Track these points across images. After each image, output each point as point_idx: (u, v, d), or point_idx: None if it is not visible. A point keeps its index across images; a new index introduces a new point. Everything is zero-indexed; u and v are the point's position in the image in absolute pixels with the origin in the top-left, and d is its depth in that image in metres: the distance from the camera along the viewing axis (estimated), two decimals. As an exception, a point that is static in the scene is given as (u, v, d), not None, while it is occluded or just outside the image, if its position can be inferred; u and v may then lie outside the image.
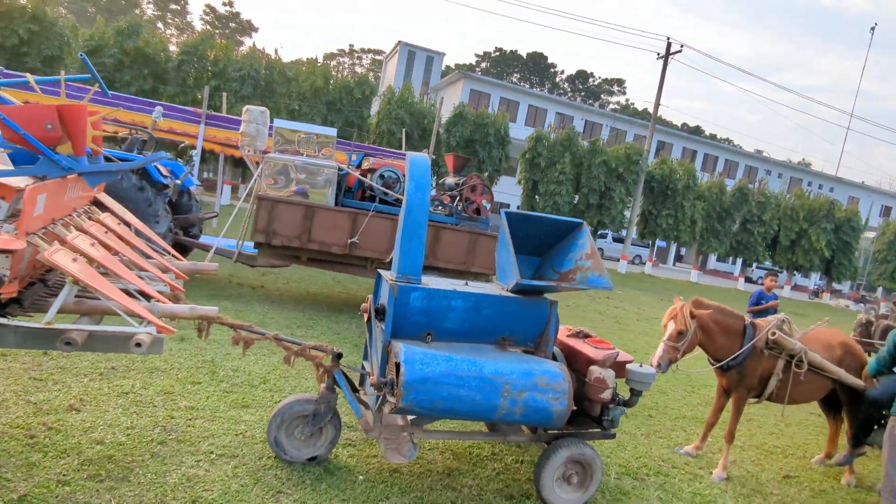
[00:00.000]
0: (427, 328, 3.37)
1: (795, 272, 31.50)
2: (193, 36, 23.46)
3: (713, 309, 4.48)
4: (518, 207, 29.23)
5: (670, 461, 4.62)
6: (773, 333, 4.42)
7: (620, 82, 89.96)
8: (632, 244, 33.51)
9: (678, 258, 50.85)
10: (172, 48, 21.16)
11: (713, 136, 75.89)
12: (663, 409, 6.01)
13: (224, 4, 65.89)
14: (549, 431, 3.58)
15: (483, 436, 3.75)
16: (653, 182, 28.00)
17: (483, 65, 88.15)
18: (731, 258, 41.18)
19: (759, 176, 44.62)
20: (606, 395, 3.46)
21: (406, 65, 47.06)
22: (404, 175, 8.31)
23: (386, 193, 7.75)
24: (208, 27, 64.63)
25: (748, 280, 36.42)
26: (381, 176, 7.86)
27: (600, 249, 36.60)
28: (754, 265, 37.82)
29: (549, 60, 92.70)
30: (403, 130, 15.45)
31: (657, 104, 28.10)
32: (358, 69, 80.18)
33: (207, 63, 20.86)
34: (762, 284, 7.53)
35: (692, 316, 4.28)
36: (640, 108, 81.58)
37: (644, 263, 32.57)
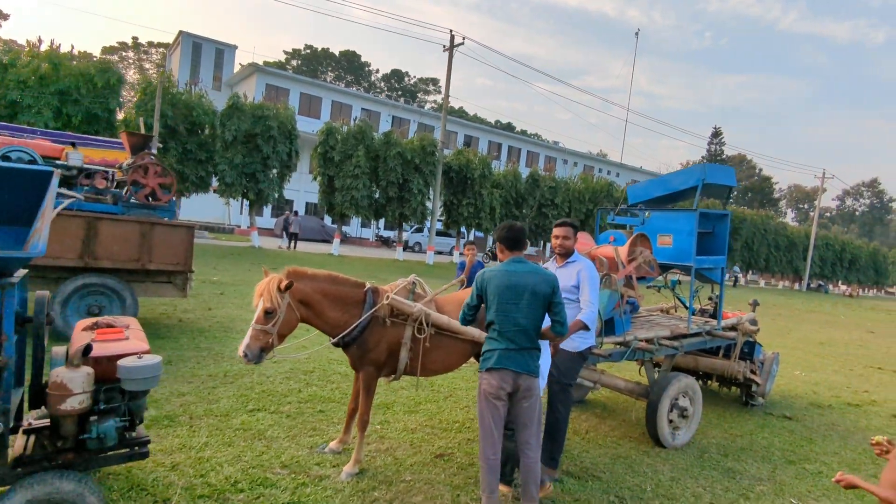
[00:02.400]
0: None
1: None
2: None
3: (320, 278, 3.74)
4: (316, 205, 27.87)
5: (297, 465, 3.79)
6: (387, 298, 3.80)
7: (435, 81, 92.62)
8: (438, 235, 34.02)
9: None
10: None
11: (524, 132, 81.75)
12: (323, 401, 5.22)
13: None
14: None
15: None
16: (451, 173, 28.55)
17: (294, 62, 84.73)
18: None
19: (556, 164, 48.74)
20: (71, 404, 2.43)
21: (192, 58, 42.86)
22: (47, 157, 6.68)
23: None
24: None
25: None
26: (6, 157, 6.10)
27: (418, 244, 36.85)
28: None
29: (363, 59, 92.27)
30: (141, 120, 13.19)
31: (447, 95, 28.64)
32: (146, 65, 72.01)
33: None
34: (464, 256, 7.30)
35: (282, 289, 3.47)
36: (456, 107, 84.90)
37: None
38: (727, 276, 44.60)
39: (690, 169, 5.15)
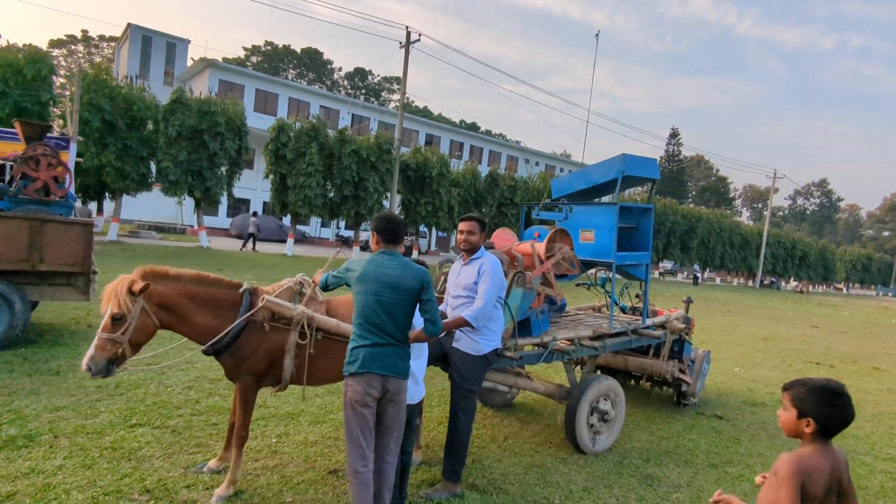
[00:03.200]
0: None
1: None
2: None
3: (184, 278, 3.33)
4: (267, 203, 27.10)
5: (163, 488, 3.37)
6: (263, 300, 3.42)
7: (399, 80, 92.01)
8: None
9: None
10: None
11: (488, 132, 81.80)
12: (221, 412, 4.75)
13: None
14: None
15: None
16: (409, 171, 28.16)
17: (253, 59, 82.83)
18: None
19: (519, 164, 48.82)
20: None
21: (141, 52, 41.30)
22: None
23: None
24: None
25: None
26: None
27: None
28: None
29: (326, 57, 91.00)
30: (68, 111, 12.38)
31: (403, 92, 28.27)
32: (97, 59, 69.28)
33: None
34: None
35: (135, 292, 3.06)
36: (421, 107, 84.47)
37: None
38: (680, 273, 45.53)
39: (610, 161, 4.93)
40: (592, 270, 5.87)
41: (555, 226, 5.47)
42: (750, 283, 47.73)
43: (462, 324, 3.58)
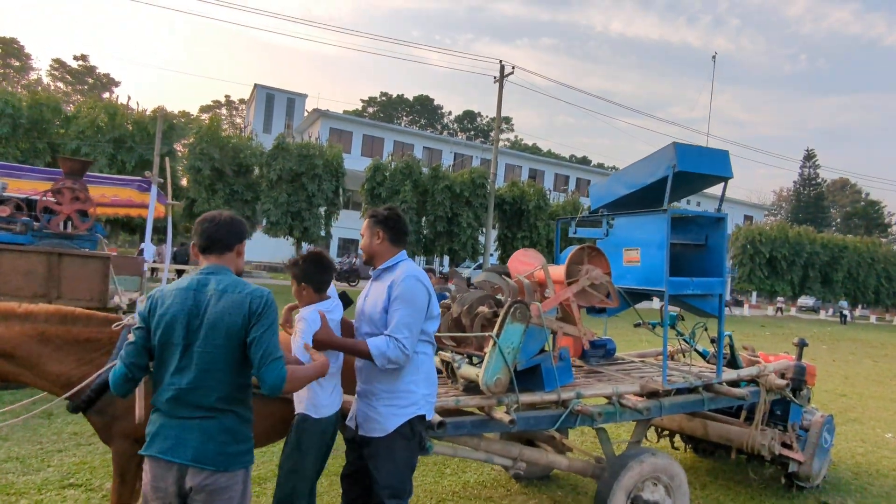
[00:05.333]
0: None
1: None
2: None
3: (36, 316, 2.62)
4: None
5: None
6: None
7: (508, 120, 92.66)
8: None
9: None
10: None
11: (600, 165, 78.83)
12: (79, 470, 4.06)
13: (76, 59, 61.41)
14: None
15: None
16: (505, 205, 27.33)
17: (370, 109, 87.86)
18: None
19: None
20: None
21: (265, 108, 45.14)
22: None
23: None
24: (59, 84, 59.79)
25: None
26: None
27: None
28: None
29: (436, 102, 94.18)
30: (167, 160, 13.16)
31: (498, 125, 27.77)
32: (237, 120, 77.23)
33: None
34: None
35: None
36: (530, 144, 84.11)
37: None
38: (823, 311, 39.37)
39: (657, 154, 3.67)
40: (643, 303, 4.50)
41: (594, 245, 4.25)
42: (920, 323, 40.13)
43: (361, 352, 2.50)
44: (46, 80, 59.49)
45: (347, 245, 41.45)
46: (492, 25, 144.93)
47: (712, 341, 4.33)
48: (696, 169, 3.59)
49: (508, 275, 3.77)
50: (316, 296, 2.67)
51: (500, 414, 3.09)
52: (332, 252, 40.52)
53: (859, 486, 4.99)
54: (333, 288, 2.83)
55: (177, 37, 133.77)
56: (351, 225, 36.36)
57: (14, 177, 9.29)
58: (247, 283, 2.06)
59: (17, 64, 59.51)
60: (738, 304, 37.91)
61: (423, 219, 25.24)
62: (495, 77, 27.13)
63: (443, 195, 24.65)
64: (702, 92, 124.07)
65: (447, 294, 3.98)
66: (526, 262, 4.07)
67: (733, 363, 4.74)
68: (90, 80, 62.02)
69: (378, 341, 2.49)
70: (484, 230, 26.22)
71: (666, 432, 5.16)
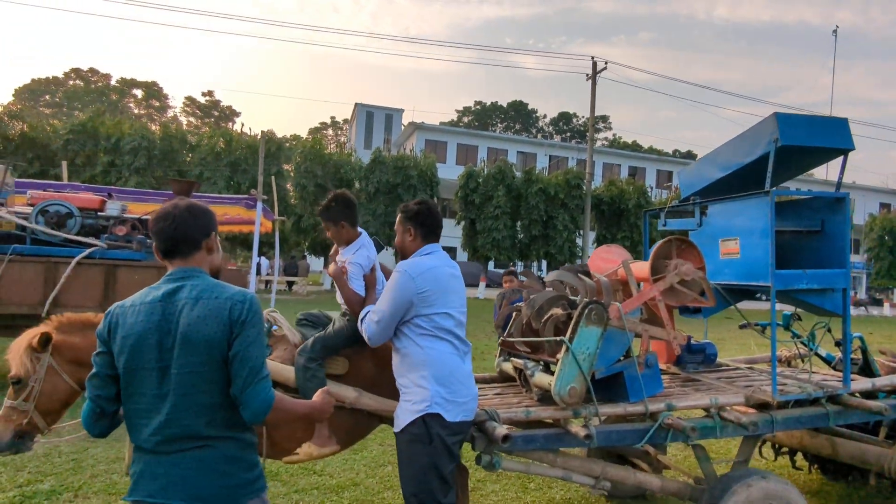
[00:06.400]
0: None
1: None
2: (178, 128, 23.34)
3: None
4: (460, 247, 27.62)
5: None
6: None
7: (605, 119, 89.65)
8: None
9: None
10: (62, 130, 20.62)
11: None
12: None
13: (203, 95, 68.00)
14: None
15: None
16: (602, 205, 26.29)
17: (465, 119, 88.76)
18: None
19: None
20: None
21: (365, 125, 47.08)
22: (86, 209, 6.87)
23: (48, 232, 6.22)
24: (191, 119, 66.54)
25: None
26: (44, 211, 6.37)
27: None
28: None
29: (531, 107, 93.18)
30: (268, 175, 14.08)
31: (591, 122, 26.81)
32: (342, 139, 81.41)
33: (100, 139, 20.24)
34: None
35: (36, 347, 2.51)
36: (629, 141, 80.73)
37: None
38: None
39: (757, 126, 3.16)
40: (747, 302, 3.92)
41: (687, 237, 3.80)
42: None
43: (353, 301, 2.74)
44: (181, 116, 66.63)
45: (446, 253, 41.98)
46: (585, 25, 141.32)
47: (837, 344, 3.69)
48: (804, 142, 3.06)
49: (588, 274, 3.45)
50: (354, 231, 2.89)
51: (575, 428, 2.79)
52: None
53: None
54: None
55: (286, 67, 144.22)
56: (449, 233, 36.69)
57: (138, 201, 10.29)
58: (226, 286, 1.76)
59: (157, 104, 67.01)
60: (877, 302, 33.48)
61: (518, 223, 24.89)
62: (587, 75, 26.26)
63: (537, 198, 24.20)
64: (822, 72, 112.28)
65: (522, 297, 3.72)
66: (609, 260, 3.72)
67: (868, 370, 4.03)
68: (216, 113, 68.46)
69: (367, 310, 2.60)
70: (581, 232, 25.36)
71: (785, 449, 4.50)
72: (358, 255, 2.84)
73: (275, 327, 2.98)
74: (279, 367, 2.70)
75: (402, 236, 2.66)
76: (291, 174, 23.72)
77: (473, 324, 9.23)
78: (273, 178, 14.94)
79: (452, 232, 34.07)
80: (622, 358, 3.05)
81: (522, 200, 24.60)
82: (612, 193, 26.06)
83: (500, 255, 24.52)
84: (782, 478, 2.97)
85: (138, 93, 65.54)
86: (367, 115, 48.22)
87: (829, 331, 3.92)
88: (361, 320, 2.60)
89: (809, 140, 3.08)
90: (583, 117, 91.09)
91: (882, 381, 3.56)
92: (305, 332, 2.93)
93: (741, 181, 3.53)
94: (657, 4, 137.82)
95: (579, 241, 25.63)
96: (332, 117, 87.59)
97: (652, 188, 29.77)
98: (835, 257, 3.26)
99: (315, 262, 28.13)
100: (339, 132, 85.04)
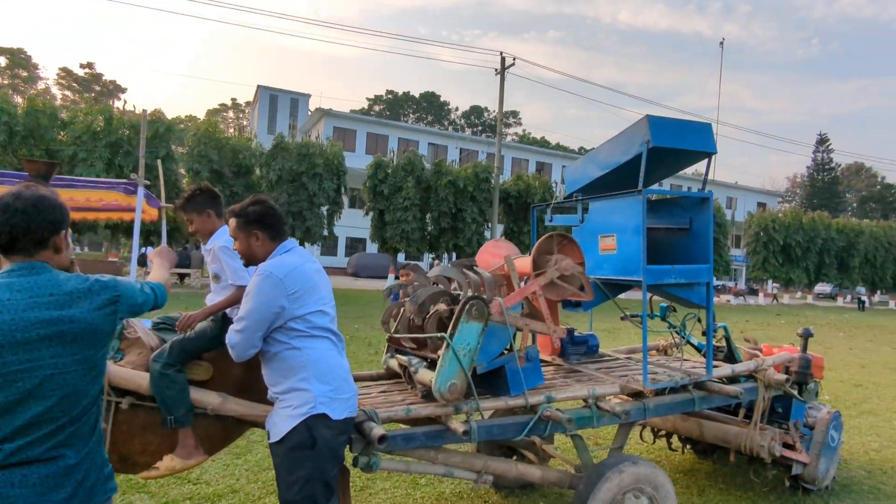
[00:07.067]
0: None
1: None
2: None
3: None
4: (369, 239, 27.35)
5: None
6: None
7: (515, 114, 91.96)
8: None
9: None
10: None
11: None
12: None
13: (82, 67, 61.93)
14: None
15: None
16: (510, 199, 26.92)
17: (376, 108, 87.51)
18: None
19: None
20: None
21: (269, 109, 45.09)
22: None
23: None
24: (67, 93, 60.34)
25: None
26: None
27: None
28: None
29: (443, 99, 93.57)
30: (155, 159, 13.03)
31: (500, 117, 27.37)
32: (244, 122, 77.47)
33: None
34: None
35: None
36: (538, 137, 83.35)
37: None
38: (841, 297, 38.38)
39: (630, 129, 3.31)
40: (628, 294, 4.13)
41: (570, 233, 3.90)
42: (942, 307, 39.03)
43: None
44: (55, 89, 60.12)
45: (355, 244, 41.31)
46: (499, 20, 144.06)
47: (703, 334, 3.96)
48: (673, 144, 3.23)
49: (474, 269, 3.44)
50: (220, 222, 2.85)
51: (455, 424, 2.77)
52: (340, 252, 40.35)
53: (872, 487, 4.59)
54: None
55: (183, 41, 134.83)
56: (357, 224, 36.11)
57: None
58: (89, 278, 1.63)
59: (25, 74, 60.06)
60: (753, 292, 37.16)
61: (428, 215, 24.94)
62: (496, 70, 26.72)
63: (446, 190, 24.34)
64: (712, 80, 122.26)
65: (399, 293, 3.66)
66: (496, 255, 3.75)
67: (731, 357, 4.38)
68: (97, 88, 62.51)
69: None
70: (489, 225, 25.86)
71: (662, 433, 4.80)
72: (225, 238, 2.69)
73: (126, 330, 2.70)
74: (130, 373, 2.45)
75: (246, 243, 2.46)
76: (181, 157, 22.21)
77: (380, 317, 9.07)
78: (160, 161, 13.86)
79: (361, 223, 33.63)
80: (504, 352, 3.07)
81: (432, 192, 24.65)
82: (519, 188, 26.74)
83: (409, 247, 24.45)
84: (651, 462, 3.13)
85: (1, 60, 58.39)
86: (270, 98, 46.24)
87: (700, 321, 4.21)
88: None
89: (677, 143, 3.25)
90: (494, 111, 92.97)
91: (740, 367, 3.86)
92: (164, 337, 2.68)
93: (620, 179, 3.68)
94: (564, 4, 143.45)
95: (488, 234, 26.12)
96: (234, 99, 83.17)
97: (557, 183, 30.94)
98: (701, 253, 3.48)
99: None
100: (242, 115, 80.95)
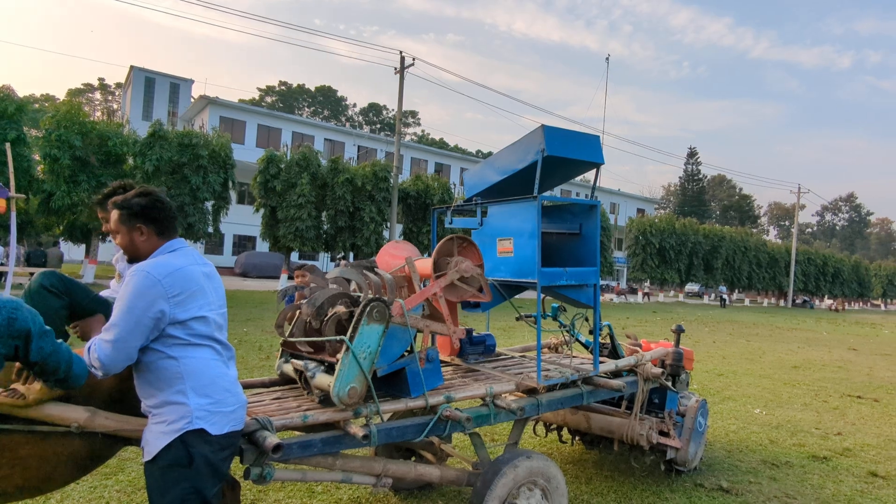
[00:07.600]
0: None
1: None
2: None
3: None
4: (259, 237, 26.16)
5: None
6: None
7: (414, 114, 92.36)
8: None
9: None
10: None
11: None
12: None
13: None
14: None
15: None
16: (409, 199, 26.95)
17: (268, 99, 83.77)
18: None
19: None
20: None
21: (144, 93, 41.55)
22: None
23: None
24: None
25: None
26: None
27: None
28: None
29: (340, 94, 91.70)
30: (7, 146, 11.45)
31: (399, 116, 27.34)
32: (115, 105, 70.77)
33: None
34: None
35: None
36: (436, 139, 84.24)
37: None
38: (707, 296, 42.96)
39: (526, 137, 3.45)
40: (524, 295, 4.31)
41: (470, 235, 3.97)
42: (781, 302, 44.87)
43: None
44: None
45: (244, 242, 39.28)
46: (398, 18, 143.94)
47: (590, 332, 4.21)
48: (566, 154, 3.40)
49: (374, 270, 3.39)
50: None
51: (354, 428, 2.71)
52: (227, 250, 38.15)
53: (731, 465, 5.15)
54: None
55: (36, 7, 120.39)
56: (247, 220, 34.40)
57: None
58: None
59: None
60: (633, 291, 40.27)
61: (324, 213, 24.28)
62: (396, 68, 26.65)
63: (343, 188, 23.85)
64: (599, 92, 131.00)
65: (294, 295, 3.53)
66: (396, 256, 3.72)
67: (615, 353, 4.69)
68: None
69: (95, 344, 2.09)
70: (388, 224, 25.73)
71: (553, 426, 5.04)
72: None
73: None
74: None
75: (128, 237, 2.24)
76: (37, 142, 19.88)
77: (272, 319, 8.67)
78: (8, 145, 12.23)
79: (250, 220, 32.06)
80: (405, 354, 3.06)
81: (328, 190, 24.04)
82: (418, 188, 26.85)
83: (303, 246, 23.66)
84: (544, 455, 3.27)
85: None
86: (146, 81, 42.63)
87: (588, 320, 4.47)
88: (88, 350, 2.11)
89: (569, 152, 3.43)
90: (393, 110, 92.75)
91: (622, 363, 4.15)
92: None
93: (517, 185, 3.81)
94: (463, 8, 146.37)
95: (386, 234, 25.97)
96: (101, 79, 75.81)
97: (455, 185, 31.49)
98: (589, 257, 3.70)
99: (73, 251, 23.91)
100: (112, 98, 74.00)
